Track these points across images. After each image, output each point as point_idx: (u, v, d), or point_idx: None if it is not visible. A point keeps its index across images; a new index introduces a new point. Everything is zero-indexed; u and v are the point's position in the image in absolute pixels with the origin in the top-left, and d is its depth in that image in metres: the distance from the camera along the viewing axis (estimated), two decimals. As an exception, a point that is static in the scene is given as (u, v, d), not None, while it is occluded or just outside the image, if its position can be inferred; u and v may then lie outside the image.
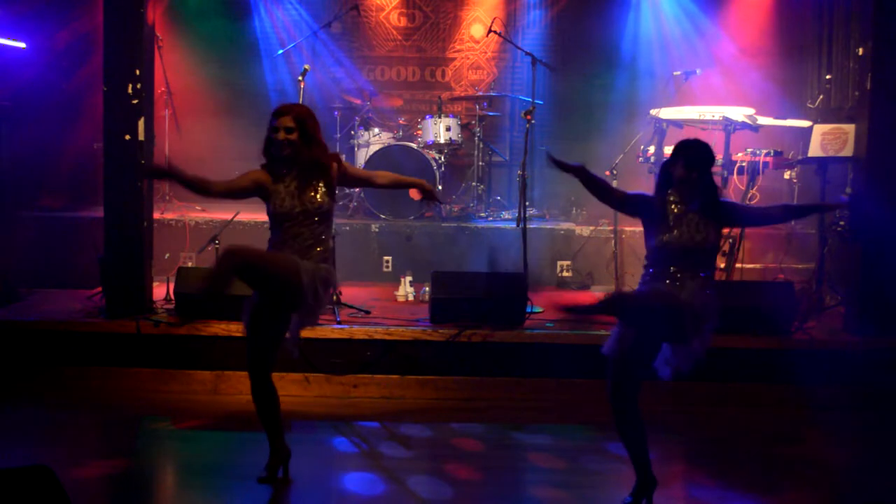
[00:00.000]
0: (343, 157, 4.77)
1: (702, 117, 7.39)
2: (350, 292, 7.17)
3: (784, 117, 7.83)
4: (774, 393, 6.19)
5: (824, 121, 7.38)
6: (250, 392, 4.72)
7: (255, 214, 8.13)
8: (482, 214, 8.93)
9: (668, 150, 7.32)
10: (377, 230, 8.23)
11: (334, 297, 6.55)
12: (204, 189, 4.51)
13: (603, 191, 4.46)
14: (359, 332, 6.32)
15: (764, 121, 7.43)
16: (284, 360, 6.24)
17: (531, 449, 5.48)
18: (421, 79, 10.26)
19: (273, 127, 4.50)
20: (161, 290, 6.94)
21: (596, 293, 7.82)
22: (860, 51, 7.03)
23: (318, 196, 4.53)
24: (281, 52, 9.31)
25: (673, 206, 4.29)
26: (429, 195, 4.90)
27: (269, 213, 4.57)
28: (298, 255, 4.48)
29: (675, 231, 4.25)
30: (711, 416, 5.98)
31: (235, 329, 6.28)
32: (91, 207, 8.15)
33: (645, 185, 7.70)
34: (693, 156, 4.27)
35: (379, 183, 4.91)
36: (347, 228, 8.09)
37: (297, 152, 4.49)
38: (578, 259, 8.26)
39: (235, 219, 7.57)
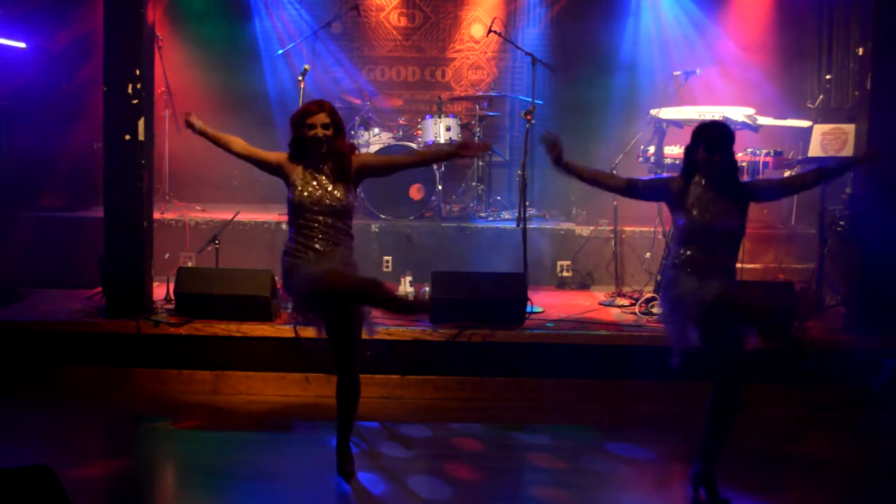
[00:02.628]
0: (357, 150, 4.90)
1: (702, 117, 7.37)
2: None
3: (784, 117, 7.83)
4: (774, 393, 6.19)
5: (824, 121, 7.38)
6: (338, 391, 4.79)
7: (255, 214, 8.15)
8: (482, 214, 8.92)
9: (668, 150, 7.36)
10: (377, 230, 8.23)
11: None
12: (225, 146, 4.87)
13: (598, 180, 4.60)
14: (359, 332, 6.31)
15: (764, 121, 7.43)
16: (285, 360, 6.28)
17: (531, 449, 5.49)
18: (421, 79, 10.26)
19: (308, 125, 4.61)
20: (161, 290, 6.94)
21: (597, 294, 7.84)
22: (860, 51, 7.03)
23: (344, 191, 4.63)
24: (281, 52, 9.32)
25: (699, 189, 4.38)
26: (469, 149, 4.92)
27: (291, 202, 4.64)
28: (324, 248, 4.57)
29: (703, 213, 4.34)
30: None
31: (235, 329, 6.29)
32: (91, 207, 8.15)
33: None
34: (713, 138, 4.36)
35: (404, 163, 5.04)
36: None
37: (333, 146, 4.64)
38: (578, 259, 8.26)
39: (236, 219, 7.57)
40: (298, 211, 4.62)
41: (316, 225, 4.60)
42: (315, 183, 4.61)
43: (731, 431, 4.51)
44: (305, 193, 4.59)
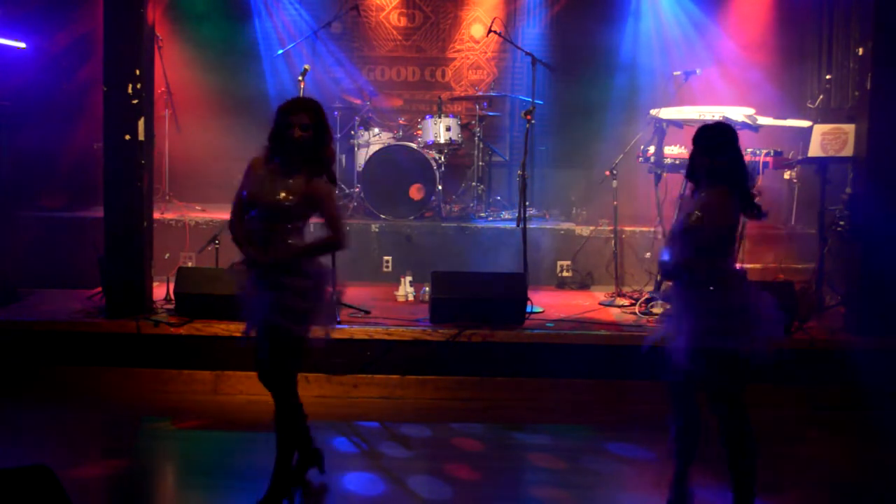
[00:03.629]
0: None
1: (702, 117, 7.38)
2: (350, 292, 7.12)
3: (784, 117, 7.83)
4: (774, 393, 6.18)
5: (824, 121, 7.38)
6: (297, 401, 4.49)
7: (255, 214, 8.12)
8: (482, 214, 8.93)
9: (668, 150, 7.35)
10: (377, 230, 8.23)
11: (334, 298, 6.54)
12: None
13: None
14: (359, 332, 6.32)
15: (764, 121, 7.43)
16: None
17: (531, 449, 5.49)
18: (421, 79, 10.26)
19: (287, 123, 4.19)
20: (161, 290, 6.94)
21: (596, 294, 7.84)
22: (860, 51, 7.03)
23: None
24: (281, 52, 9.31)
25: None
26: None
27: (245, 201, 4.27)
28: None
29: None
30: (711, 416, 5.97)
31: (235, 329, 6.27)
32: (91, 207, 8.15)
33: (645, 184, 7.72)
34: (704, 141, 4.14)
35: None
36: (348, 228, 8.05)
37: (311, 152, 4.24)
38: (578, 259, 8.26)
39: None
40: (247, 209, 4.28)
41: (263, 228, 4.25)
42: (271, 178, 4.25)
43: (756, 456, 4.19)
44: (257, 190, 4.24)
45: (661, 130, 7.40)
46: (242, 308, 4.40)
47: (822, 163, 7.04)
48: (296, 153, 4.23)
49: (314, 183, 4.28)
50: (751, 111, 7.50)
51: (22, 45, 8.23)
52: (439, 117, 8.84)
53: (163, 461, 5.38)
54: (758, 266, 7.88)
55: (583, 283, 8.19)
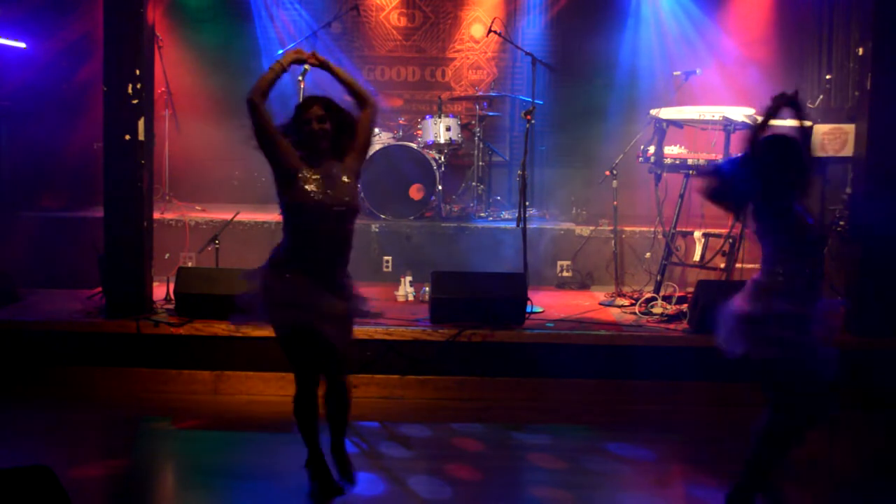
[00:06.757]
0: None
1: (702, 117, 7.38)
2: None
3: (784, 117, 7.81)
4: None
5: (824, 121, 7.37)
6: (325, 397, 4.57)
7: (255, 214, 8.14)
8: (482, 214, 8.93)
9: (668, 150, 7.35)
10: (377, 230, 8.23)
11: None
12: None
13: None
14: (359, 332, 6.29)
15: (764, 121, 7.41)
16: (285, 360, 6.26)
17: (531, 449, 5.48)
18: (421, 79, 10.26)
19: (305, 119, 4.43)
20: (161, 290, 6.94)
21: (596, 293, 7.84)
22: (860, 51, 7.03)
23: (349, 187, 4.34)
24: (281, 52, 9.31)
25: None
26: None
27: (289, 207, 4.29)
28: (326, 271, 4.28)
29: None
30: (711, 416, 5.98)
31: (235, 329, 6.27)
32: (91, 207, 8.15)
33: (644, 185, 7.72)
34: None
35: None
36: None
37: (334, 143, 4.41)
38: (578, 259, 8.26)
39: (236, 219, 7.57)
40: (303, 216, 4.28)
41: (326, 233, 4.29)
42: (319, 180, 4.32)
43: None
44: (313, 193, 4.27)
45: (661, 130, 7.40)
46: None
47: (822, 163, 7.04)
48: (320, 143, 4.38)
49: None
50: (751, 111, 7.49)
51: (22, 45, 8.23)
52: (439, 117, 8.84)
53: (163, 461, 5.38)
54: (758, 266, 7.85)
55: (583, 283, 8.19)
